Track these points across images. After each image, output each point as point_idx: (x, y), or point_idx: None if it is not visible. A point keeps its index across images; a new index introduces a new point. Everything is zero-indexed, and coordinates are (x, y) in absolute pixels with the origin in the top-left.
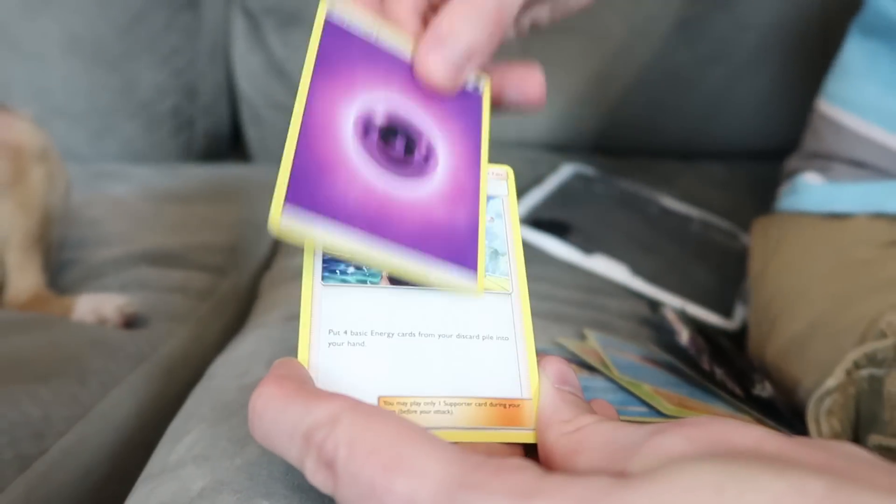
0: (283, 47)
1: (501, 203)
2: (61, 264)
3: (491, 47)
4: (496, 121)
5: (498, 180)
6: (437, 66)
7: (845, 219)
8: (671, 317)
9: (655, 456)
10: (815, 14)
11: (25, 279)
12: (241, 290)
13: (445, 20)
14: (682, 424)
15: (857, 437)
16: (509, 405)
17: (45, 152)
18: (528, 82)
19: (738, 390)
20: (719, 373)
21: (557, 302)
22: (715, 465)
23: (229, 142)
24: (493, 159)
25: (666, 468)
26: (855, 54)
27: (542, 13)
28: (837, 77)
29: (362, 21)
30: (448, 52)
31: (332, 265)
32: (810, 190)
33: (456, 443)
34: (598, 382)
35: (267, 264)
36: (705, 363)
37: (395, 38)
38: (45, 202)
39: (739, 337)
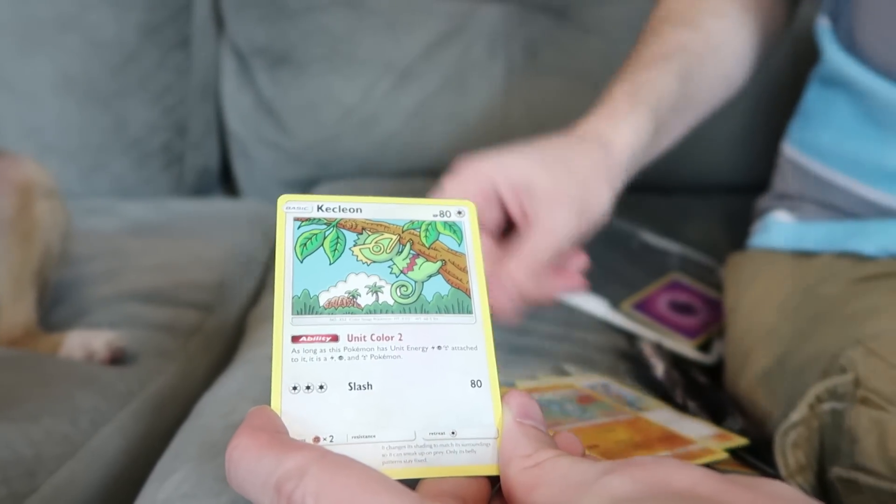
0: (271, 86)
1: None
2: (51, 302)
3: (530, 285)
4: None
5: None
6: (497, 298)
7: (812, 256)
8: (648, 351)
9: (602, 496)
10: (786, 59)
11: (20, 314)
12: (228, 327)
13: (503, 267)
14: (630, 465)
15: (823, 468)
16: None
17: (52, 190)
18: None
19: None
20: (692, 406)
21: (538, 336)
22: None
23: (218, 177)
24: None
25: None
26: (814, 102)
27: None
28: (800, 123)
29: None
30: (502, 288)
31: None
32: (780, 228)
33: (420, 480)
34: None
35: (254, 300)
36: (679, 396)
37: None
38: (46, 237)
39: (717, 370)
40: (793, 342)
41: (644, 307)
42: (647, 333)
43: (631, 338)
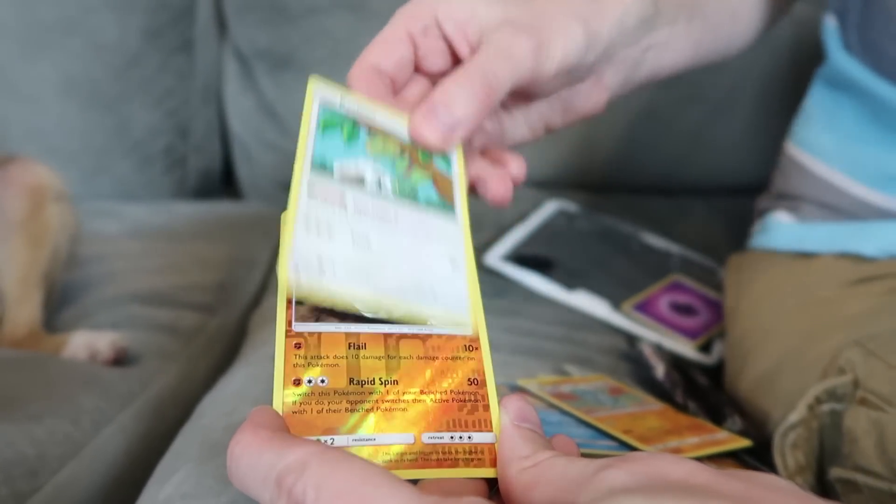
0: (274, 89)
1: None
2: (55, 304)
3: (479, 118)
4: None
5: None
6: (430, 130)
7: (812, 258)
8: (648, 352)
9: (601, 489)
10: (786, 59)
11: (25, 313)
12: (229, 329)
13: (439, 91)
14: (626, 459)
15: (822, 469)
16: None
17: (62, 194)
18: (495, 183)
19: (710, 424)
20: (692, 406)
21: (538, 337)
22: (648, 498)
23: (221, 179)
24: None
25: (608, 500)
26: (818, 103)
27: (554, 117)
28: (803, 122)
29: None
30: (439, 119)
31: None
32: (780, 229)
33: (420, 480)
34: (571, 416)
35: (256, 302)
36: (679, 397)
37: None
38: (55, 240)
39: (717, 371)
40: (792, 343)
41: (645, 308)
42: (648, 334)
43: (631, 339)
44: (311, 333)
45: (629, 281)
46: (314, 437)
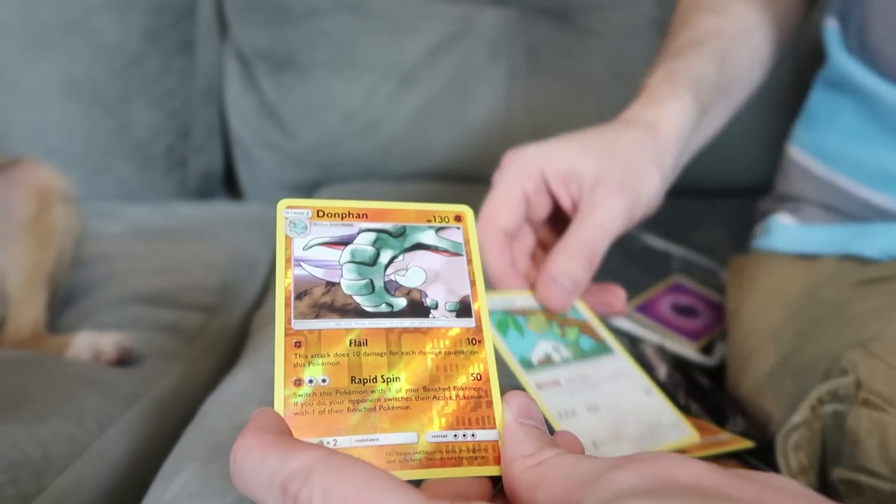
0: (274, 90)
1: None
2: (57, 305)
3: (588, 279)
4: (481, 160)
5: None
6: (554, 298)
7: (815, 259)
8: (650, 353)
9: (608, 491)
10: (787, 61)
11: (29, 314)
12: (232, 329)
13: (556, 263)
14: (634, 460)
15: (824, 470)
16: None
17: (68, 196)
18: (613, 301)
19: (712, 425)
20: (695, 407)
21: None
22: (657, 502)
23: (222, 180)
24: (478, 198)
25: (616, 502)
26: (819, 105)
27: (629, 224)
28: (804, 125)
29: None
30: (561, 287)
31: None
32: (783, 231)
33: (425, 481)
34: None
35: (258, 302)
36: (681, 398)
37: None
38: (61, 241)
39: (719, 373)
40: (795, 344)
41: (646, 309)
42: (650, 336)
43: (633, 340)
44: (311, 331)
45: (630, 282)
46: (316, 439)
